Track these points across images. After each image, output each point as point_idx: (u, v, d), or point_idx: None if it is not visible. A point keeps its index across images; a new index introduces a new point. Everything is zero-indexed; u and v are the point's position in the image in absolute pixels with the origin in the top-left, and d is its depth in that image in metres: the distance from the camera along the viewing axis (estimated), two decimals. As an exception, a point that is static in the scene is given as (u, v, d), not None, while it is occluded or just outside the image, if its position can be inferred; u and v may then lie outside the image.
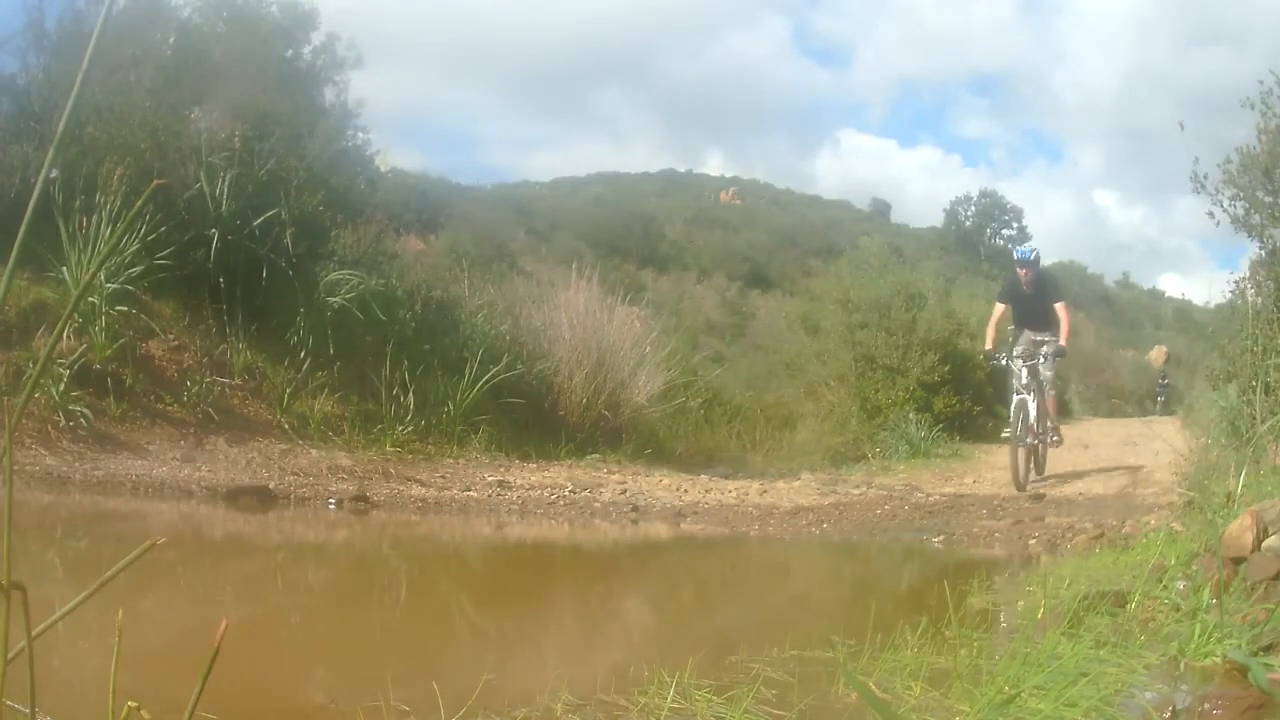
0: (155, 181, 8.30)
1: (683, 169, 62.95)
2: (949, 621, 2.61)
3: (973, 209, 51.84)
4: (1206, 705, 1.75)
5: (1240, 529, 2.45)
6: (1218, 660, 1.98)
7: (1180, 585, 2.60)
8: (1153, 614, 2.49)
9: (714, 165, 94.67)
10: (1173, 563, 2.97)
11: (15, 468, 5.76)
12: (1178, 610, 2.37)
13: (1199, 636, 2.05)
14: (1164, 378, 27.39)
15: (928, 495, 8.72)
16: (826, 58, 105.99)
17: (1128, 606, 2.57)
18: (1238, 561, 2.40)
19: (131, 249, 8.03)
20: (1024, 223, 52.77)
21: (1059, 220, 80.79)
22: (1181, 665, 2.03)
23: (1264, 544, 2.40)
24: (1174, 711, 1.78)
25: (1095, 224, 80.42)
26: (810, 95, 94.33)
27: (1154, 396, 27.20)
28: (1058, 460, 9.91)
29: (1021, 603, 3.29)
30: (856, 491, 9.05)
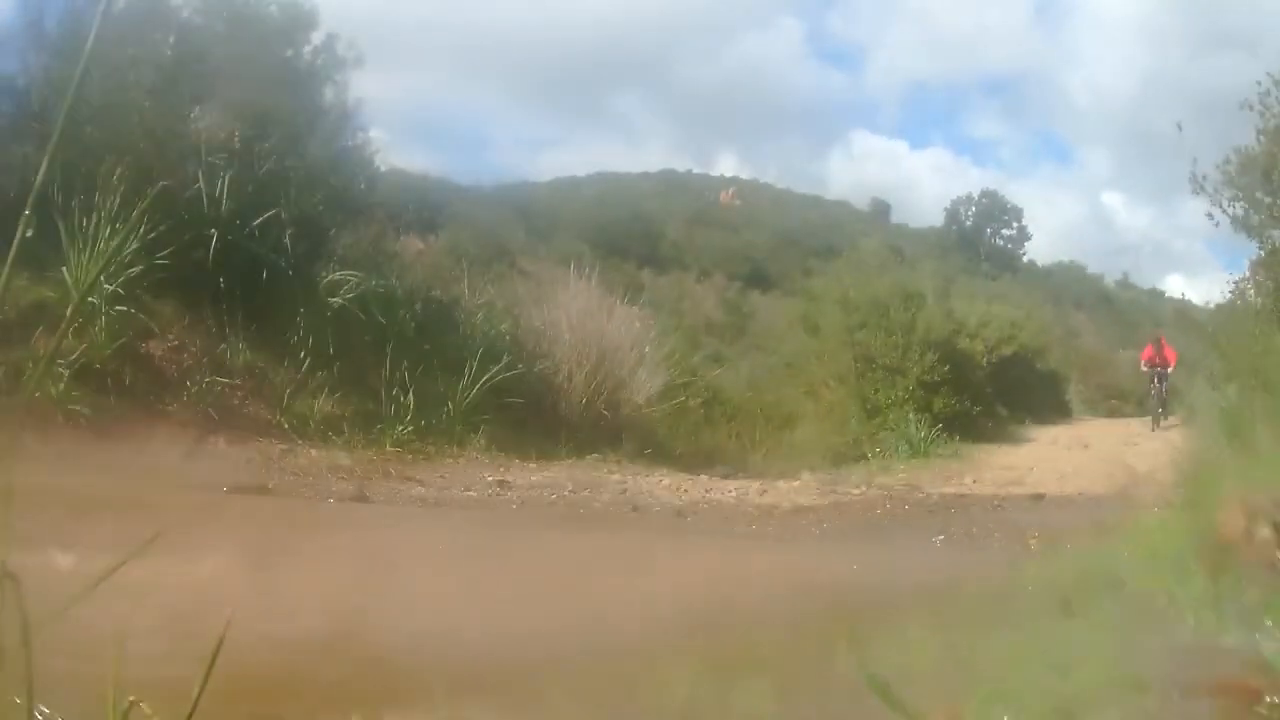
0: (160, 184, 8.34)
1: (692, 170, 62.52)
2: (949, 616, 2.62)
3: (973, 209, 51.84)
4: (1203, 696, 1.76)
5: (1232, 518, 2.46)
6: (1214, 650, 1.99)
7: (1176, 577, 2.60)
8: (1149, 606, 2.50)
9: (727, 167, 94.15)
10: (1169, 555, 2.98)
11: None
12: (1174, 601, 2.38)
13: (1195, 627, 2.06)
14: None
15: (928, 495, 8.73)
16: (839, 59, 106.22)
17: (1125, 598, 2.58)
18: (1231, 552, 2.41)
19: (131, 249, 8.04)
20: (1024, 222, 52.78)
21: (1066, 221, 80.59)
22: (1179, 656, 2.03)
23: (1256, 534, 2.40)
24: (1171, 702, 1.79)
25: (1102, 225, 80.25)
26: (823, 97, 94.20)
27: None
28: (1058, 460, 9.92)
29: (1020, 598, 3.29)
30: (856, 491, 9.05)
